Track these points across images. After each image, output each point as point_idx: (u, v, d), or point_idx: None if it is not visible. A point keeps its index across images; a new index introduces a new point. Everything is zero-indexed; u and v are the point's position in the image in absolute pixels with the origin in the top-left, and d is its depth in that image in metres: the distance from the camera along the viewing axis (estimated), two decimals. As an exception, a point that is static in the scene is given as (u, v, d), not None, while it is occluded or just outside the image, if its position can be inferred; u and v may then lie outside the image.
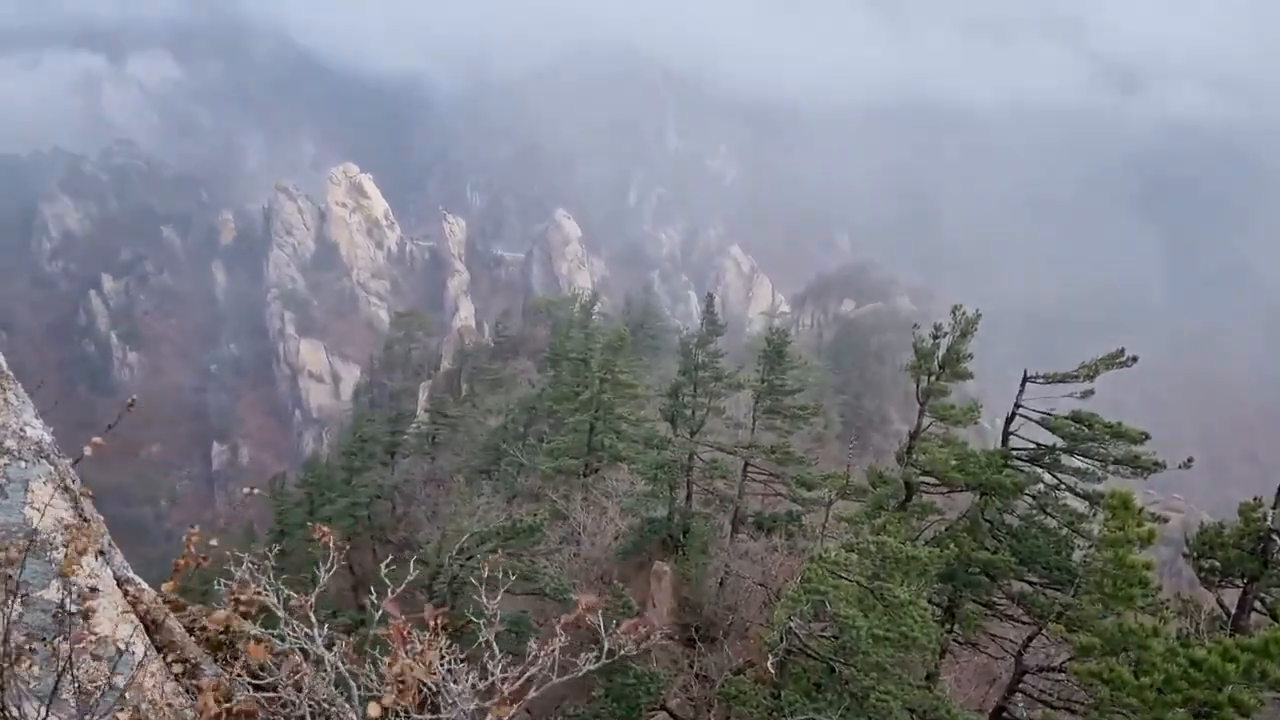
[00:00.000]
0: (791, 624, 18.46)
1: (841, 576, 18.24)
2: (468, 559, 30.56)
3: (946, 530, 23.57)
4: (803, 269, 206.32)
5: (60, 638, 3.60)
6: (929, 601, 19.63)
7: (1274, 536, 17.96)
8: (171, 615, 4.96)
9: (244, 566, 5.55)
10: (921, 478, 24.42)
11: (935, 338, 23.96)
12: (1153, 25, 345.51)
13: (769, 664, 19.61)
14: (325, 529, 5.11)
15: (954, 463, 22.66)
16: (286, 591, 5.33)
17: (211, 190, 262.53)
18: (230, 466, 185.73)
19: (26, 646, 3.43)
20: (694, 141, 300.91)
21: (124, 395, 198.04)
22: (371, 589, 5.26)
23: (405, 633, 3.67)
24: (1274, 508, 18.19)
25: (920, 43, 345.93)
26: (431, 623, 4.48)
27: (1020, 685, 19.89)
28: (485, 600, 5.21)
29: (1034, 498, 22.68)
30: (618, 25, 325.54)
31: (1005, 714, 20.40)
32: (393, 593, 4.74)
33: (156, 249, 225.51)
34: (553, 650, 4.80)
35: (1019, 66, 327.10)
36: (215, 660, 4.93)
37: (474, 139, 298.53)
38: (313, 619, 5.05)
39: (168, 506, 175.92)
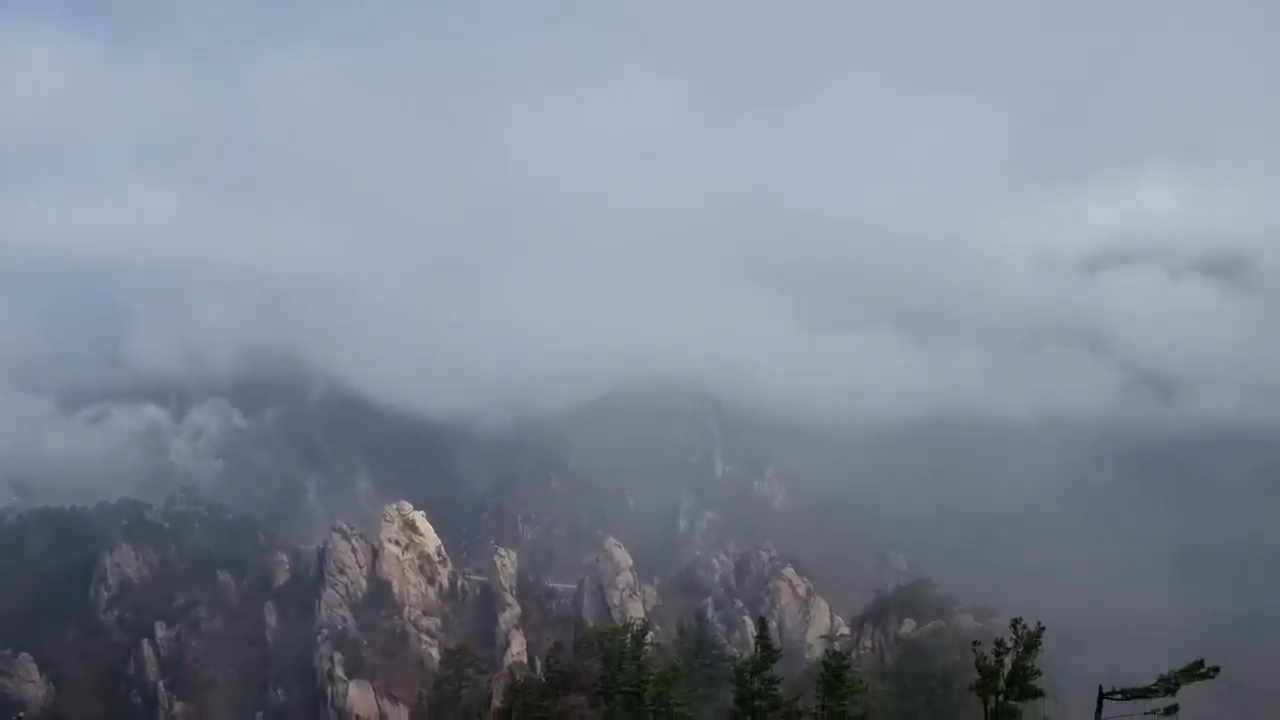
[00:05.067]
0: None
1: None
2: None
3: None
4: (860, 589, 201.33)
5: None
6: None
7: None
8: None
9: None
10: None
11: (998, 655, 23.79)
12: (1183, 335, 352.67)
13: None
14: None
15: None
16: None
17: (269, 532, 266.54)
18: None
19: None
20: (740, 465, 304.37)
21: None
22: None
23: None
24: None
25: (948, 359, 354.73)
26: None
27: None
28: None
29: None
30: (656, 358, 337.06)
31: None
32: None
33: (211, 594, 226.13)
34: None
35: (1050, 376, 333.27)
36: None
37: (523, 472, 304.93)
38: None
39: None
